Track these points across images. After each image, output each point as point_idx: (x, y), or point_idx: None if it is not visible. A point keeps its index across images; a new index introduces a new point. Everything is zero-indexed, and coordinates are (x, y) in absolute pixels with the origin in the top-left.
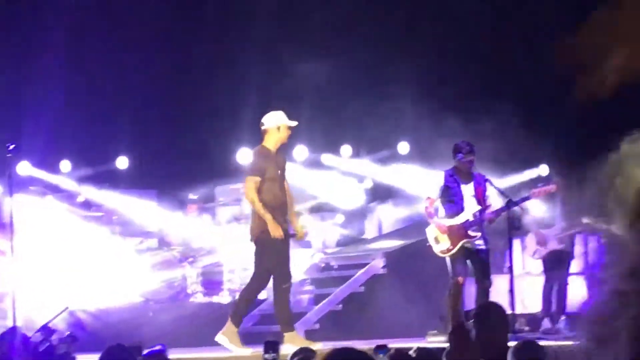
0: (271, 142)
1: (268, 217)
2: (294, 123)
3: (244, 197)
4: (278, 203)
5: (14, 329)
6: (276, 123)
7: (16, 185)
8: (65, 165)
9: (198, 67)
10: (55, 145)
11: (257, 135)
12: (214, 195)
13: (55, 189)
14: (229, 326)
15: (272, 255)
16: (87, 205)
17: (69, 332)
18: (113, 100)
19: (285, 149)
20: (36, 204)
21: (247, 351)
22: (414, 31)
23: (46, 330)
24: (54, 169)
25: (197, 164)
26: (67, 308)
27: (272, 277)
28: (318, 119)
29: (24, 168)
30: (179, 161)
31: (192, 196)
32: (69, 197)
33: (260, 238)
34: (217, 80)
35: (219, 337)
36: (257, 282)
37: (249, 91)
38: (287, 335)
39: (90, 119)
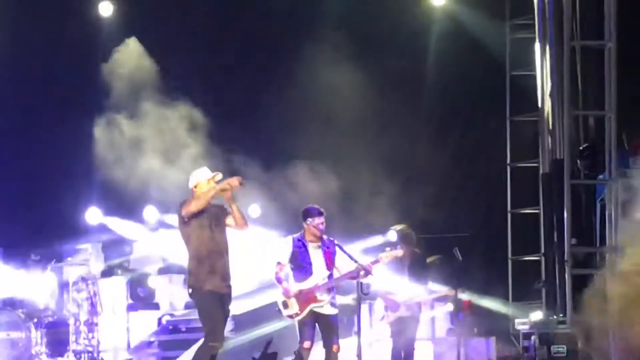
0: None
1: (216, 189)
2: (213, 175)
3: (195, 200)
4: (206, 251)
5: None
6: (193, 182)
7: None
8: None
9: (51, 120)
10: None
11: (108, 195)
12: (61, 254)
13: None
14: None
15: (205, 309)
16: None
17: None
18: None
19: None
20: None
21: None
22: None
23: None
24: None
25: (45, 222)
26: None
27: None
28: (167, 178)
29: None
30: (27, 219)
31: (34, 257)
32: None
33: (194, 292)
34: (68, 135)
35: None
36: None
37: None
38: None
39: None
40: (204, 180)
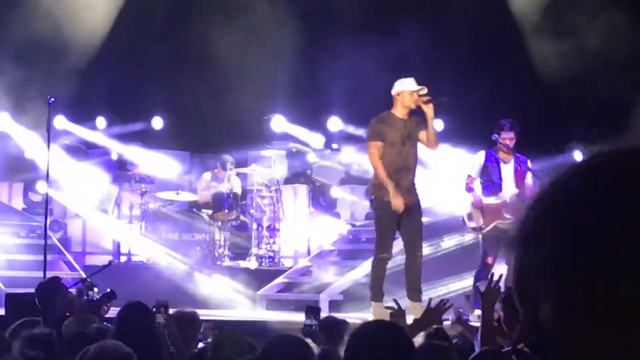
0: (396, 108)
1: (391, 186)
2: (418, 88)
3: (369, 161)
4: (393, 168)
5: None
6: (397, 89)
7: (53, 138)
8: (101, 121)
9: (235, 30)
10: (92, 101)
11: (291, 103)
12: (246, 160)
13: (89, 145)
14: (374, 306)
15: (379, 219)
16: (120, 162)
17: (110, 289)
18: (150, 61)
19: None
20: (70, 158)
21: None
22: None
23: (86, 284)
24: (89, 124)
25: (231, 128)
26: (110, 263)
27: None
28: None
29: (61, 122)
30: (214, 124)
31: (230, 164)
32: (102, 153)
33: (375, 200)
34: (255, 45)
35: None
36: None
37: (285, 59)
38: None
39: (126, 78)
40: (408, 90)
